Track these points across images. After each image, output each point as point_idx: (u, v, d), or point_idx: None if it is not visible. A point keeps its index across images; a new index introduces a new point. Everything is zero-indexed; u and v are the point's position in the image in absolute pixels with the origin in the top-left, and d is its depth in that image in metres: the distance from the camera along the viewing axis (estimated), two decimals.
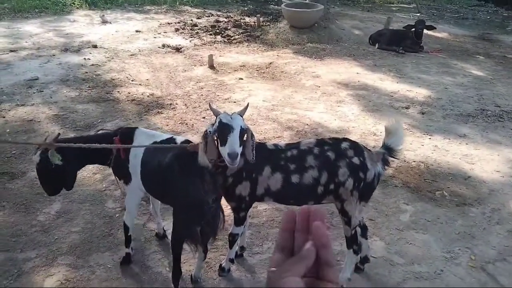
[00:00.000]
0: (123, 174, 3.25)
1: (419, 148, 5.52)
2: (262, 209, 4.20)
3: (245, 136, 2.75)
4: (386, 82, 7.92)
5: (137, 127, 3.39)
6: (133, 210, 3.43)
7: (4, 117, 6.02)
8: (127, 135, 3.24)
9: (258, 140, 3.03)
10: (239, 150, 2.61)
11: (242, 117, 2.78)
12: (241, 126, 2.67)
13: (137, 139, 3.23)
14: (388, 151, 3.09)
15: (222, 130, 2.66)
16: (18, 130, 5.65)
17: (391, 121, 3.19)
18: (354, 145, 3.03)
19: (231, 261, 3.35)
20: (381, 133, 5.82)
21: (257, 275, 3.39)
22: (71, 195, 4.26)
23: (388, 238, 3.85)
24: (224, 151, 2.64)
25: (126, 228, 3.38)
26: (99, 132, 3.54)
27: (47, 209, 4.17)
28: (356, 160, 2.92)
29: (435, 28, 10.46)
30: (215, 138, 2.78)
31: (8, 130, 5.64)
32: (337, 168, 2.89)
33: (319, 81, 7.83)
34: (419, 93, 7.47)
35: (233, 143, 2.60)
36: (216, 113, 2.80)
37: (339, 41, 10.60)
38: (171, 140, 3.26)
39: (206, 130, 2.76)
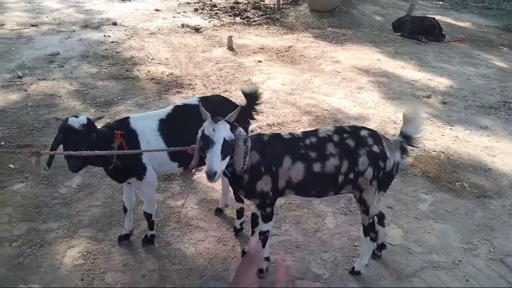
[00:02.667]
0: (133, 170, 3.10)
1: (440, 138, 5.44)
2: None
3: (235, 146, 2.53)
4: (407, 70, 7.79)
5: (128, 117, 3.20)
6: (154, 199, 3.36)
7: (26, 90, 6.08)
8: (124, 127, 3.04)
9: (268, 132, 3.00)
10: (217, 167, 2.39)
11: (231, 124, 2.52)
12: (224, 139, 2.42)
13: (139, 127, 3.10)
14: (406, 139, 2.99)
15: (204, 141, 2.46)
16: (39, 104, 5.71)
17: (409, 109, 3.10)
18: (373, 133, 2.95)
19: (267, 259, 3.22)
20: (401, 121, 5.75)
21: (274, 256, 3.41)
22: (91, 169, 4.32)
23: (406, 226, 3.83)
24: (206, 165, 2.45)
25: (148, 216, 3.36)
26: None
27: (68, 182, 4.24)
28: (375, 148, 2.83)
29: None
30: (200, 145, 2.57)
31: (30, 104, 5.70)
32: (357, 156, 2.80)
33: (339, 66, 7.74)
34: (441, 82, 7.35)
35: (211, 161, 2.39)
36: (204, 117, 2.56)
37: (360, 26, 10.43)
38: (177, 108, 3.29)
39: (198, 134, 2.57)
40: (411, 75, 7.58)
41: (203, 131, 2.47)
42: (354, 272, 3.25)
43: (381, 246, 3.41)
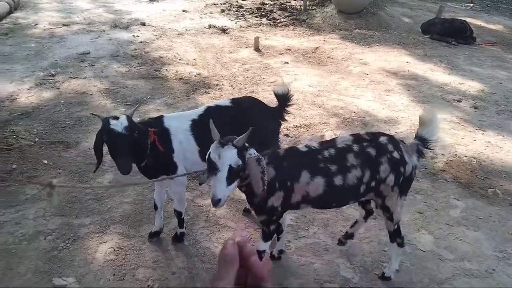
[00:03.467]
0: (165, 169, 3.15)
1: (471, 143, 5.32)
2: None
3: (246, 169, 2.38)
4: (437, 73, 7.65)
5: (162, 115, 3.26)
6: (184, 197, 3.40)
7: (58, 88, 6.24)
8: (158, 126, 3.09)
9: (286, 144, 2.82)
10: (221, 195, 2.26)
11: (239, 147, 2.33)
12: (230, 165, 2.26)
13: (172, 126, 3.14)
14: (422, 142, 2.92)
15: (209, 166, 2.31)
16: (71, 102, 5.86)
17: (426, 112, 3.05)
18: (391, 139, 2.86)
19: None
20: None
21: (302, 258, 3.40)
22: None
23: (437, 232, 3.76)
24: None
25: (179, 214, 3.41)
26: None
27: (100, 179, 4.33)
28: (396, 154, 2.76)
29: None
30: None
31: (62, 101, 5.85)
32: (378, 164, 2.73)
33: (367, 68, 7.66)
34: (472, 86, 7.18)
35: (214, 187, 2.27)
36: (214, 137, 2.40)
37: (388, 28, 10.30)
38: (209, 109, 3.32)
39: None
40: (441, 78, 7.44)
41: (209, 154, 2.32)
42: (384, 278, 3.21)
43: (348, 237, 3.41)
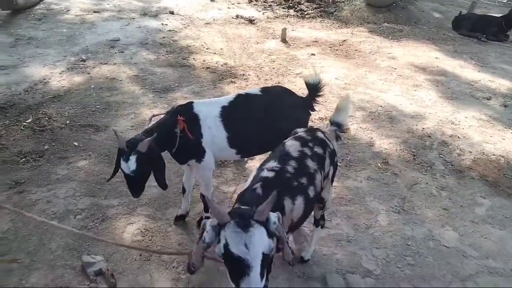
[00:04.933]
0: (194, 153, 3.20)
1: (500, 142, 5.22)
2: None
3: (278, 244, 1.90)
4: (466, 70, 7.49)
5: (192, 101, 3.31)
6: (210, 182, 3.45)
7: (89, 73, 6.38)
8: (187, 111, 3.16)
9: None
10: None
11: (264, 223, 1.80)
12: (263, 254, 1.71)
13: (202, 112, 3.20)
14: (338, 127, 3.00)
15: (232, 264, 1.73)
16: (101, 87, 5.99)
17: (341, 99, 3.13)
18: (322, 132, 2.87)
19: None
20: (459, 122, 5.57)
21: (325, 249, 3.43)
22: None
23: (462, 229, 3.73)
24: None
25: (205, 198, 3.48)
26: (154, 122, 3.23)
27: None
28: (331, 146, 2.80)
29: None
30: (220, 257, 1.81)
31: (92, 86, 5.99)
32: (324, 160, 2.70)
33: (394, 62, 7.56)
34: (502, 84, 7.01)
35: None
36: (216, 216, 1.80)
37: (418, 23, 10.11)
38: (239, 97, 3.38)
39: (202, 237, 1.84)
40: (471, 75, 7.28)
41: (227, 248, 1.71)
42: (303, 261, 3.25)
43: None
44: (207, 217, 3.59)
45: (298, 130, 2.91)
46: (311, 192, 2.49)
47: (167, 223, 3.60)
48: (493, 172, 4.60)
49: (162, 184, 3.08)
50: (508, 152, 4.99)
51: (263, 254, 1.71)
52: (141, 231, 3.51)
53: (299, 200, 2.39)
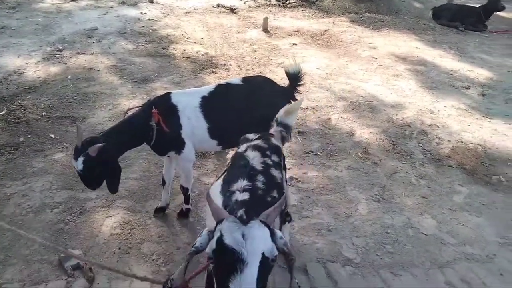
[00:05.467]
0: (173, 145, 3.17)
1: (478, 130, 5.30)
2: (313, 176, 4.21)
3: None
4: (446, 60, 7.57)
5: (170, 92, 3.24)
6: (191, 174, 3.40)
7: (66, 63, 6.23)
8: (165, 102, 3.12)
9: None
10: None
11: (269, 226, 1.55)
12: (263, 255, 1.41)
13: (181, 102, 3.14)
14: (286, 128, 2.80)
15: (222, 260, 1.43)
16: (78, 77, 5.85)
17: (293, 103, 3.03)
18: (271, 135, 2.70)
19: None
20: (438, 111, 5.64)
21: (305, 238, 3.43)
22: None
23: (440, 217, 3.78)
24: None
25: (185, 190, 3.44)
26: (128, 115, 3.21)
27: None
28: (280, 150, 2.61)
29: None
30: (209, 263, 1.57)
31: (69, 77, 5.85)
32: (280, 167, 2.50)
33: (375, 52, 7.59)
34: (481, 74, 7.11)
35: None
36: (217, 215, 1.58)
37: (398, 13, 10.17)
38: (219, 87, 3.33)
39: (195, 245, 1.60)
40: (450, 64, 7.36)
41: (220, 241, 1.44)
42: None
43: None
44: (188, 209, 3.56)
45: (249, 135, 2.64)
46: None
47: (146, 216, 3.56)
48: (471, 160, 4.67)
49: (112, 189, 3.06)
50: (486, 141, 5.07)
51: (263, 255, 1.39)
52: (120, 224, 3.45)
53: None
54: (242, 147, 2.48)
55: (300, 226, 3.57)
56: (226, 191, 2.04)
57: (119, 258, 3.11)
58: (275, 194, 2.17)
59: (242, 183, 2.05)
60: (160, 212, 3.58)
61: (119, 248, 3.20)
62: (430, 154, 4.71)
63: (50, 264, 3.02)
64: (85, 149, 2.78)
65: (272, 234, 1.52)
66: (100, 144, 2.80)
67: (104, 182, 3.04)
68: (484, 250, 3.45)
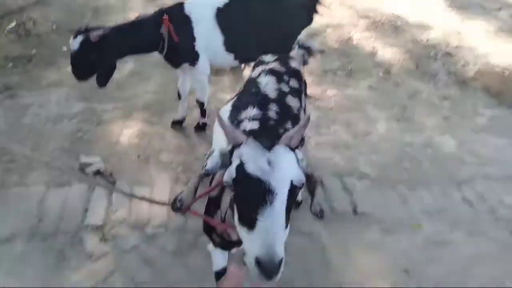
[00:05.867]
0: (186, 57, 3.05)
1: (506, 53, 5.03)
2: (332, 94, 4.11)
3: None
4: None
5: (182, 2, 3.03)
6: (206, 87, 3.30)
7: None
8: (178, 13, 2.93)
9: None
10: (281, 248, 1.15)
11: (292, 149, 1.35)
12: (291, 183, 1.24)
13: (194, 13, 2.96)
14: (308, 51, 2.62)
15: (246, 192, 1.24)
16: None
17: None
18: (291, 58, 2.45)
19: None
20: (466, 33, 5.35)
21: (322, 152, 3.42)
22: (144, 58, 4.30)
23: (461, 137, 3.71)
24: (249, 244, 1.19)
25: (201, 104, 3.38)
26: (137, 18, 3.04)
27: (121, 68, 4.26)
28: (303, 75, 2.43)
29: None
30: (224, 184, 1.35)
31: None
32: (301, 94, 2.31)
33: None
34: None
35: (273, 233, 1.16)
36: (232, 138, 1.36)
37: None
38: None
39: (205, 167, 1.42)
40: None
41: (241, 169, 1.25)
42: None
43: None
44: (204, 123, 3.53)
45: (265, 57, 2.41)
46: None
47: (164, 128, 3.54)
48: (496, 83, 4.49)
49: (101, 83, 2.98)
50: None
51: (291, 183, 1.23)
52: (138, 134, 3.46)
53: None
54: (256, 71, 2.28)
55: (317, 142, 3.54)
56: (235, 118, 1.89)
57: (139, 166, 3.15)
58: (289, 125, 1.97)
59: (252, 111, 1.88)
60: (177, 125, 3.56)
61: (138, 157, 3.23)
62: (455, 76, 4.54)
63: (72, 169, 3.07)
64: (87, 31, 2.68)
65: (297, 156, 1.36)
66: (103, 32, 2.69)
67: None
68: (503, 170, 3.42)
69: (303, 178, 1.28)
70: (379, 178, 3.22)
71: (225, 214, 1.55)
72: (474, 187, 3.21)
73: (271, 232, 1.13)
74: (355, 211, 2.91)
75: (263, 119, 1.87)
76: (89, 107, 3.74)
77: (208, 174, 1.41)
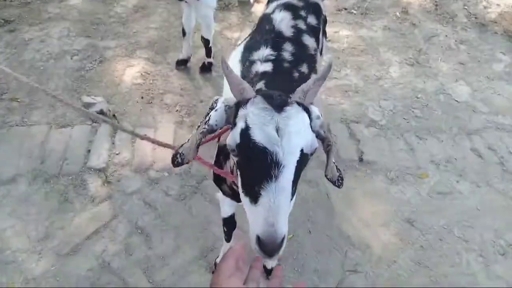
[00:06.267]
0: None
1: None
2: (344, 35, 3.91)
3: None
4: None
5: None
6: (212, 23, 3.14)
7: None
8: None
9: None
10: (286, 223, 1.02)
11: (307, 107, 1.17)
12: (301, 151, 1.08)
13: None
14: None
15: (251, 161, 1.08)
16: None
17: None
18: None
19: None
20: None
21: (331, 98, 3.32)
22: None
23: (475, 84, 3.57)
24: (252, 218, 1.06)
25: (206, 41, 3.24)
26: None
27: (124, 2, 4.07)
28: (323, 8, 2.26)
29: None
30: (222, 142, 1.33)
31: None
32: (319, 33, 2.18)
33: None
34: None
35: (277, 207, 1.00)
36: (237, 90, 1.17)
37: None
38: None
39: (208, 121, 1.23)
40: None
41: (246, 134, 1.08)
42: None
43: None
44: (210, 63, 3.41)
45: None
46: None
47: (168, 68, 3.43)
48: None
49: None
50: None
51: (302, 152, 1.07)
52: (141, 74, 3.36)
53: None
54: (271, 7, 2.08)
55: (326, 87, 3.42)
56: (246, 59, 1.74)
57: (142, 107, 3.09)
58: (304, 69, 1.82)
59: (265, 51, 1.73)
60: (182, 64, 3.44)
61: (142, 98, 3.15)
62: (475, 18, 4.28)
63: (74, 109, 3.02)
64: None
65: (309, 113, 1.17)
66: None
67: None
68: None
69: (315, 144, 1.12)
70: (387, 125, 3.14)
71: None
72: (484, 137, 3.13)
73: (274, 209, 1.00)
74: (361, 159, 2.87)
75: (277, 61, 1.73)
76: (91, 44, 3.61)
77: (212, 130, 1.25)
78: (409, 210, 2.60)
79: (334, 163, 1.34)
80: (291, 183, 1.05)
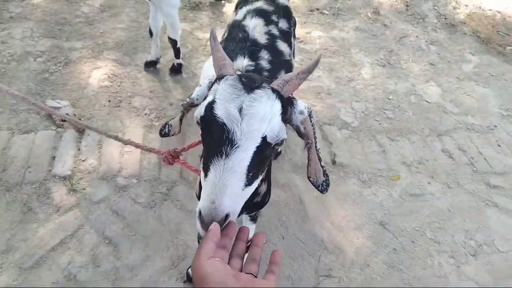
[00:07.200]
0: None
1: None
2: (316, 36, 3.90)
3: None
4: None
5: None
6: (177, 23, 3.06)
7: None
8: None
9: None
10: (233, 205, 0.99)
11: (283, 97, 1.11)
12: (263, 139, 1.03)
13: None
14: None
15: (211, 134, 1.05)
16: None
17: None
18: None
19: None
20: None
21: (304, 101, 3.29)
22: None
23: (445, 85, 3.62)
24: (202, 193, 1.03)
25: (174, 42, 3.15)
26: None
27: (91, 1, 3.93)
28: (291, 12, 2.22)
29: None
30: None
31: None
32: (290, 36, 2.14)
33: None
34: None
35: (223, 185, 0.98)
36: (218, 65, 1.16)
37: None
38: None
39: (191, 95, 1.30)
40: None
41: (211, 107, 1.05)
42: None
43: None
44: (179, 64, 3.33)
45: None
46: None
47: (136, 69, 3.33)
48: (486, 28, 4.34)
49: None
50: (506, 8, 4.66)
51: (264, 140, 1.02)
52: (108, 76, 3.24)
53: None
54: (241, 13, 2.02)
55: (298, 89, 3.38)
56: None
57: (110, 111, 2.98)
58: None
59: (243, 62, 1.67)
60: (151, 66, 3.34)
61: (109, 101, 3.04)
62: (445, 18, 4.35)
63: (38, 114, 2.89)
64: None
65: (290, 106, 1.16)
66: None
67: None
68: (485, 120, 3.37)
69: (282, 136, 1.05)
70: (360, 127, 3.14)
71: None
72: (455, 138, 3.17)
73: (219, 186, 0.97)
74: (333, 162, 2.86)
75: (256, 70, 1.67)
76: (56, 45, 3.46)
77: (193, 105, 1.24)
78: (381, 213, 2.60)
79: (323, 166, 1.32)
80: (245, 166, 1.01)
